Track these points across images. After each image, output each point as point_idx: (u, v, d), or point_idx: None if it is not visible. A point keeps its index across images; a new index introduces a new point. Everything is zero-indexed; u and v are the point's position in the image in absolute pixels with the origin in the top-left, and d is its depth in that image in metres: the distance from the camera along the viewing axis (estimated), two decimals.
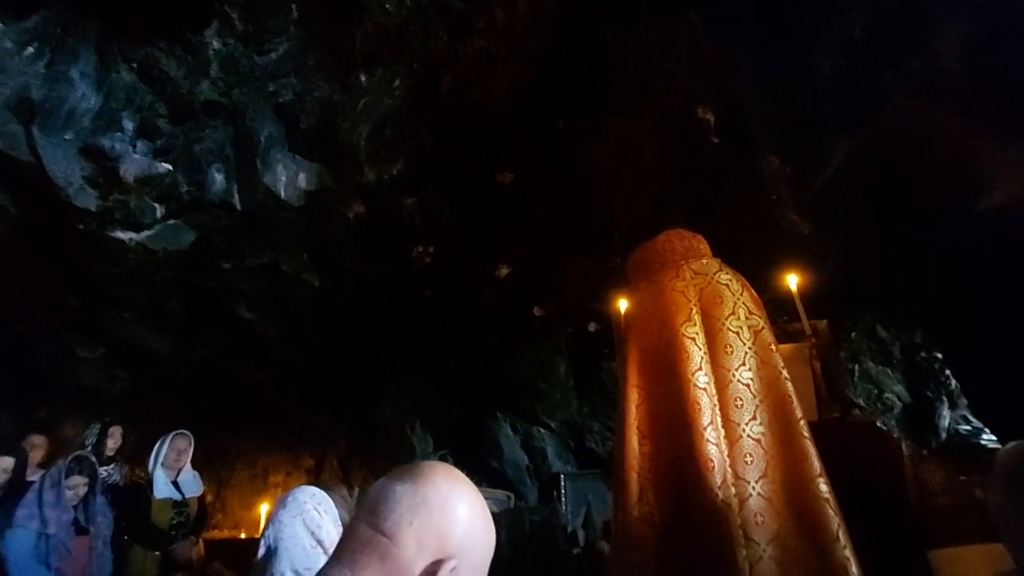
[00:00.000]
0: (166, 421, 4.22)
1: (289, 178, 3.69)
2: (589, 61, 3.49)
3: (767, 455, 1.55)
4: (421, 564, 0.69)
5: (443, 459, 5.33)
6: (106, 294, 4.24)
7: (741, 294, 1.71)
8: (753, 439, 1.57)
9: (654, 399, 1.66)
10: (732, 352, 1.64)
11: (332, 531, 1.40)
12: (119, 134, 3.22)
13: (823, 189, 3.29)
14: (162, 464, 3.81)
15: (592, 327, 4.63)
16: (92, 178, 3.29)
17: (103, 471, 3.98)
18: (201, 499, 4.06)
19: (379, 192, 3.92)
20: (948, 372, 4.24)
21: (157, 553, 3.65)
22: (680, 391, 1.58)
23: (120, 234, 3.56)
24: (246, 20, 3.07)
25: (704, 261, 1.79)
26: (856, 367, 4.42)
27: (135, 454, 4.35)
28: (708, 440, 1.51)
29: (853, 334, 4.37)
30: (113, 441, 4.21)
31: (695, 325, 1.66)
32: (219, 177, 3.57)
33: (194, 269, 4.08)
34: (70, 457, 3.33)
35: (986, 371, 3.25)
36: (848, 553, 1.41)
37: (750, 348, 1.65)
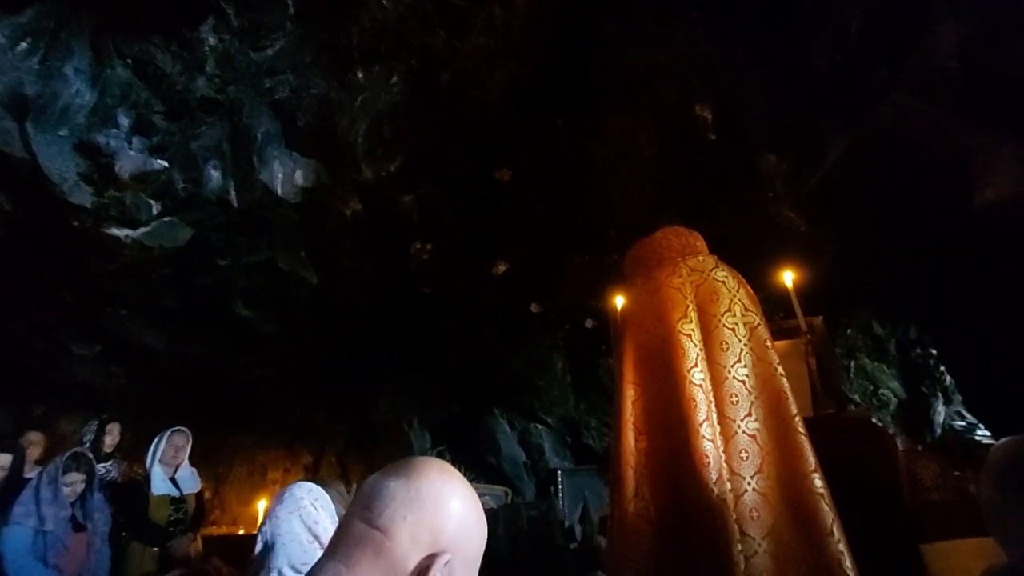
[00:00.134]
0: (164, 418, 4.22)
1: (286, 175, 3.68)
2: (587, 58, 3.49)
3: (762, 451, 1.56)
4: (415, 558, 0.70)
5: (441, 455, 5.35)
6: (102, 291, 4.23)
7: (737, 291, 1.72)
8: (748, 435, 1.58)
9: (650, 396, 1.66)
10: (728, 349, 1.65)
11: (329, 527, 1.41)
12: (114, 131, 3.21)
13: (820, 186, 3.30)
14: (160, 461, 3.82)
15: (589, 324, 4.65)
16: (87, 175, 3.27)
17: (101, 468, 3.98)
18: (199, 495, 4.07)
19: (377, 189, 3.91)
20: (943, 368, 4.26)
21: (155, 549, 3.66)
22: (676, 388, 1.59)
23: (116, 231, 3.55)
24: (242, 16, 3.05)
25: (701, 258, 1.80)
26: (852, 363, 4.44)
27: (133, 451, 4.36)
28: (704, 436, 1.52)
29: (849, 330, 4.39)
30: (111, 438, 4.21)
31: (691, 322, 1.66)
32: (215, 174, 3.56)
33: (190, 266, 4.07)
34: (67, 454, 3.32)
35: (981, 367, 3.27)
36: (842, 547, 1.42)
37: (746, 345, 1.66)
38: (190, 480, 3.97)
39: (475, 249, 4.31)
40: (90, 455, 3.49)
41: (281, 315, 4.65)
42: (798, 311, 2.43)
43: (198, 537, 3.91)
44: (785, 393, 1.59)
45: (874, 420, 3.21)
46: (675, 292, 1.71)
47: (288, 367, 5.27)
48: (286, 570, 1.32)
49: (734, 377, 1.62)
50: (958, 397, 4.27)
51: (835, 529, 1.43)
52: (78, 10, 3.03)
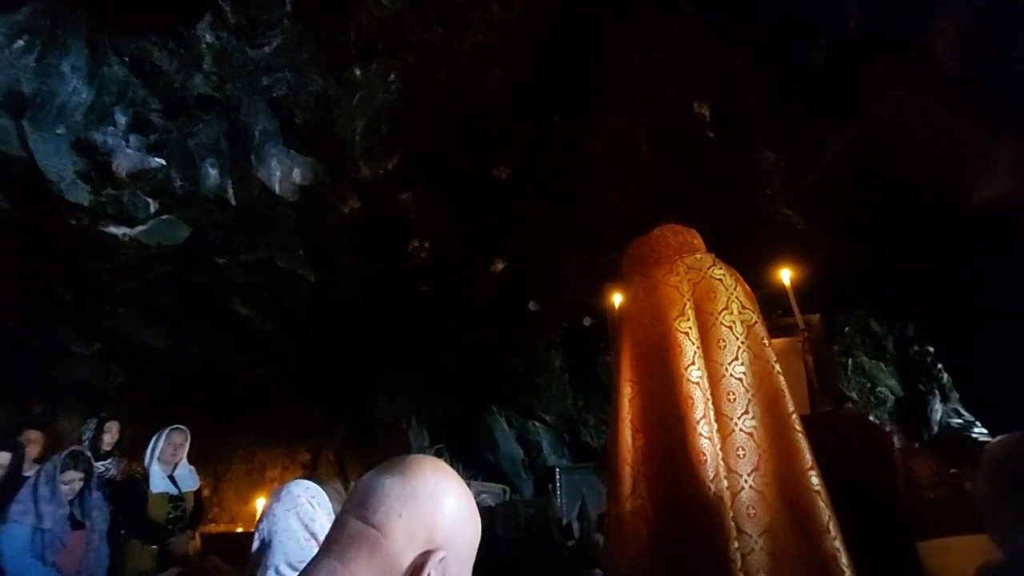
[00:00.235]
0: (162, 416, 4.23)
1: (284, 173, 3.68)
2: (585, 55, 3.48)
3: (759, 449, 1.57)
4: (410, 555, 0.71)
5: (439, 453, 5.36)
6: (100, 289, 4.23)
7: (734, 289, 1.72)
8: (745, 433, 1.58)
9: (647, 393, 1.67)
10: (725, 347, 1.65)
11: (326, 524, 1.41)
12: (111, 128, 3.20)
13: (817, 184, 3.30)
14: (158, 459, 3.83)
15: (587, 322, 4.65)
16: (84, 173, 3.27)
17: (100, 466, 4.00)
18: (197, 493, 4.08)
19: (375, 187, 3.91)
20: (940, 366, 4.27)
21: (154, 547, 3.67)
22: (673, 385, 1.59)
23: (113, 229, 3.55)
24: (239, 13, 3.04)
25: (698, 256, 1.79)
26: (850, 361, 4.45)
27: (131, 449, 4.36)
28: (701, 434, 1.52)
29: (847, 328, 4.40)
30: (110, 436, 4.22)
31: (688, 320, 1.66)
32: (213, 172, 3.55)
33: (188, 264, 4.07)
34: (65, 452, 3.33)
35: (978, 365, 3.28)
36: (838, 544, 1.42)
37: (743, 343, 1.66)
38: (188, 478, 3.98)
39: (473, 247, 4.31)
40: (88, 453, 3.50)
41: (279, 313, 4.65)
42: (795, 309, 2.43)
43: (197, 535, 3.92)
44: (782, 391, 1.59)
45: (871, 418, 3.22)
46: (672, 290, 1.71)
47: (286, 365, 5.27)
48: (283, 567, 1.33)
49: (731, 375, 1.62)
50: (955, 395, 4.28)
51: (831, 526, 1.44)
52: (75, 7, 3.02)
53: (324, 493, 1.46)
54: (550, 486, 5.11)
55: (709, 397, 1.58)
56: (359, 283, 4.49)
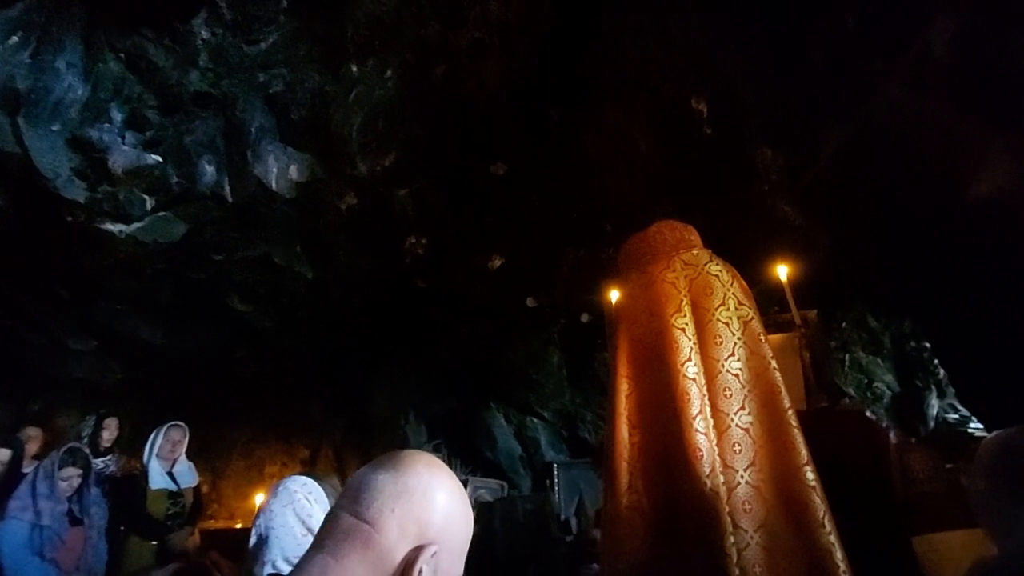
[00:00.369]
0: (161, 412, 4.23)
1: (280, 169, 3.67)
2: (582, 51, 3.48)
3: (755, 444, 1.57)
4: (402, 550, 0.71)
5: (437, 449, 5.38)
6: (97, 286, 4.22)
7: (731, 285, 1.72)
8: (742, 428, 1.58)
9: (644, 389, 1.67)
10: (721, 342, 1.66)
11: (323, 520, 1.42)
12: (107, 125, 3.18)
13: (814, 180, 3.30)
14: (157, 455, 3.84)
15: (585, 318, 4.65)
16: (80, 170, 3.26)
17: (99, 462, 4.00)
18: (196, 489, 4.08)
19: (371, 183, 3.90)
20: (937, 362, 4.28)
21: (153, 543, 3.68)
22: (669, 381, 1.59)
23: (110, 226, 3.54)
24: (234, 9, 3.03)
25: (695, 252, 1.80)
26: (847, 357, 4.46)
27: (130, 445, 4.37)
28: (697, 430, 1.53)
29: (844, 324, 4.41)
30: (108, 433, 4.23)
31: (685, 316, 1.67)
32: (210, 169, 3.54)
33: (186, 261, 4.06)
34: (63, 449, 3.34)
35: (974, 360, 3.29)
36: (833, 539, 1.43)
37: (739, 338, 1.66)
38: (187, 474, 3.99)
39: (470, 243, 4.31)
40: (86, 450, 3.51)
41: (277, 310, 4.64)
42: (792, 305, 2.43)
43: (196, 531, 3.93)
44: (778, 387, 1.60)
45: (867, 413, 3.23)
46: (669, 286, 1.71)
47: (284, 362, 5.27)
48: (280, 563, 1.33)
49: (728, 371, 1.62)
50: (951, 390, 4.29)
51: (826, 521, 1.45)
52: (69, 4, 3.01)
53: (321, 489, 1.47)
54: (548, 482, 5.12)
55: (705, 393, 1.58)
56: (356, 279, 4.49)
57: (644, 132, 3.62)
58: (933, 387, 4.43)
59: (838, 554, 1.41)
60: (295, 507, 1.40)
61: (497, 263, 4.40)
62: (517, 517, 3.41)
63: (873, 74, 2.83)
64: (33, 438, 4.09)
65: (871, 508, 1.81)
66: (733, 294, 1.70)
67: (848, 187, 3.28)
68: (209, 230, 3.87)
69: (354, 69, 3.40)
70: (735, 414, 1.58)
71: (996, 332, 2.98)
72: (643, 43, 3.32)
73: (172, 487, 3.84)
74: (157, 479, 3.79)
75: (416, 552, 0.71)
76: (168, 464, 3.89)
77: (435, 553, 0.72)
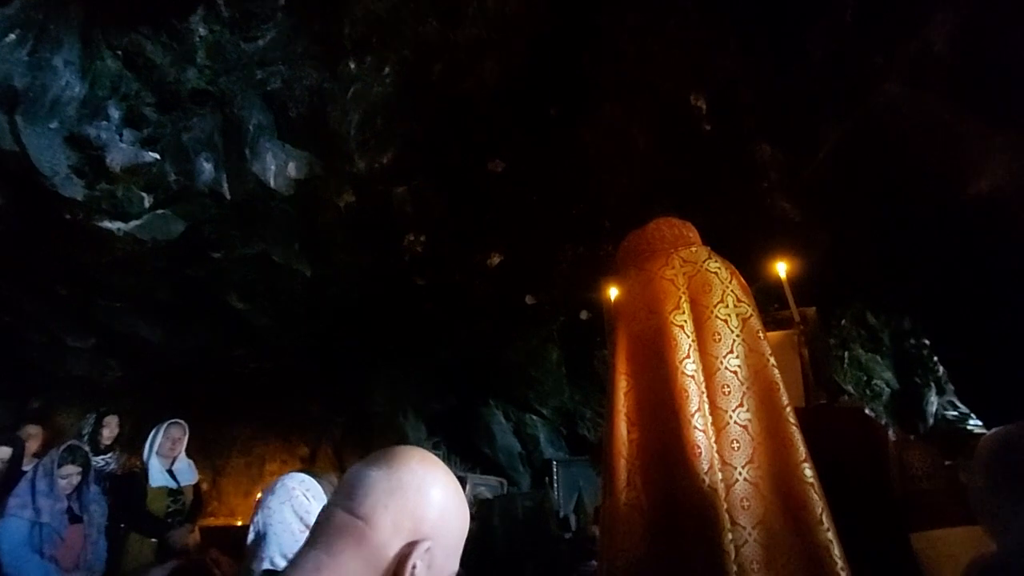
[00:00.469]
0: (160, 410, 4.24)
1: (279, 167, 3.66)
2: (580, 48, 3.47)
3: (754, 441, 1.57)
4: (396, 546, 0.71)
5: (436, 447, 5.38)
6: (96, 284, 4.22)
7: (730, 282, 1.72)
8: (740, 425, 1.59)
9: (642, 387, 1.67)
10: (720, 340, 1.66)
11: None
12: (105, 123, 3.17)
13: (814, 177, 3.30)
14: (157, 453, 3.85)
15: (584, 315, 4.65)
16: (78, 167, 3.25)
17: (100, 460, 4.01)
18: (196, 487, 4.10)
19: (370, 181, 3.89)
20: (936, 359, 4.28)
21: (153, 540, 3.69)
22: (668, 379, 1.59)
23: (108, 224, 3.53)
24: (232, 6, 3.02)
25: (693, 249, 1.80)
26: (846, 354, 4.46)
27: (130, 443, 4.37)
28: (695, 427, 1.53)
29: (843, 321, 4.41)
30: (108, 430, 4.24)
31: (683, 313, 1.67)
32: (208, 166, 3.53)
33: (184, 259, 4.06)
34: (62, 447, 3.34)
35: (973, 357, 3.29)
36: (831, 536, 1.43)
37: (738, 336, 1.66)
38: (187, 472, 4.00)
39: (469, 241, 4.31)
40: (85, 448, 3.51)
41: (276, 307, 4.64)
42: (791, 302, 2.43)
43: (196, 528, 3.94)
44: (777, 384, 1.60)
45: (866, 410, 3.23)
46: (667, 283, 1.71)
47: (283, 359, 5.28)
48: (278, 559, 1.34)
49: (726, 368, 1.63)
50: (951, 387, 4.29)
51: (824, 518, 1.45)
52: (67, 2, 2.99)
53: (319, 486, 1.47)
54: (547, 479, 5.13)
55: (704, 390, 1.58)
56: (355, 277, 4.49)
57: (643, 129, 3.61)
58: (932, 384, 4.44)
59: (836, 551, 1.42)
60: (293, 504, 1.41)
61: (496, 261, 4.40)
62: (516, 514, 3.41)
63: (873, 71, 2.82)
64: (33, 436, 4.10)
65: (870, 505, 1.81)
66: (732, 291, 1.70)
67: (848, 184, 3.27)
68: (207, 228, 3.86)
69: (352, 66, 3.39)
70: (733, 411, 1.58)
71: (995, 329, 2.98)
72: (642, 40, 3.32)
73: (172, 485, 3.86)
74: (157, 477, 3.80)
75: (410, 548, 0.71)
76: (168, 462, 3.90)
77: (429, 548, 0.72)
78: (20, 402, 5.38)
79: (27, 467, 3.56)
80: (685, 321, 1.65)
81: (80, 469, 3.31)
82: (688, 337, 1.63)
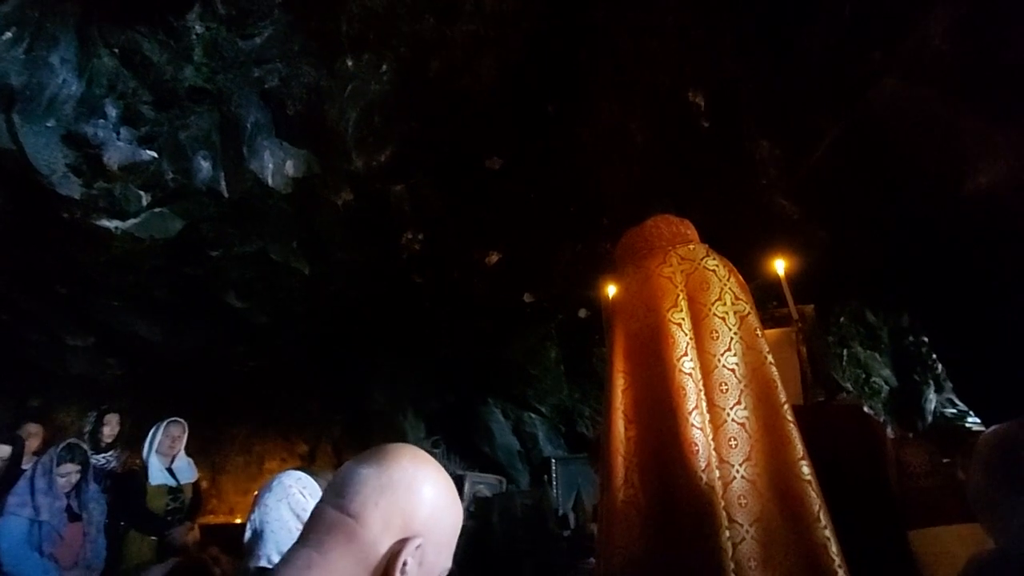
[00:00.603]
0: (160, 408, 4.24)
1: (276, 165, 3.66)
2: (578, 44, 3.46)
3: (751, 439, 1.57)
4: (387, 543, 0.71)
5: (435, 445, 5.39)
6: (94, 283, 4.21)
7: (728, 280, 1.72)
8: (738, 423, 1.59)
9: (640, 384, 1.67)
10: (718, 337, 1.66)
11: None
12: (102, 121, 3.16)
13: (812, 173, 3.29)
14: (156, 451, 3.86)
15: (583, 313, 4.65)
16: (75, 166, 3.24)
17: (101, 458, 4.02)
18: (196, 485, 4.11)
19: (368, 179, 3.88)
20: (935, 356, 4.28)
21: (153, 538, 3.70)
22: (665, 376, 1.59)
23: (106, 222, 3.53)
24: (228, 3, 3.00)
25: (691, 247, 1.80)
26: (845, 351, 4.46)
27: (130, 441, 4.38)
28: (693, 424, 1.53)
29: (842, 319, 4.41)
30: (109, 429, 4.24)
31: (681, 311, 1.67)
32: (205, 164, 3.52)
33: (182, 257, 4.06)
34: (62, 445, 3.35)
35: (971, 355, 3.29)
36: (828, 533, 1.44)
37: (736, 333, 1.67)
38: (187, 470, 4.01)
39: (467, 239, 4.30)
40: (84, 446, 3.52)
41: (274, 306, 4.64)
42: (789, 299, 2.43)
43: (196, 526, 3.95)
44: (774, 381, 1.60)
45: (865, 408, 3.23)
46: (665, 281, 1.71)
47: (282, 358, 5.28)
48: (275, 557, 1.34)
49: (724, 366, 1.63)
50: (949, 385, 4.29)
51: (822, 515, 1.45)
52: None
53: (316, 484, 1.47)
54: (546, 477, 5.13)
55: (702, 388, 1.58)
56: (353, 275, 4.48)
57: (641, 126, 3.60)
58: (931, 382, 4.44)
59: (833, 548, 1.42)
60: (289, 501, 1.41)
61: (494, 258, 4.39)
62: (515, 512, 3.42)
63: (871, 65, 2.81)
64: (34, 435, 4.11)
65: (867, 502, 1.81)
66: (730, 289, 1.70)
67: (846, 181, 3.26)
68: (205, 226, 3.86)
69: (349, 64, 3.38)
70: (731, 409, 1.59)
71: (994, 326, 2.98)
72: (640, 37, 3.30)
73: (172, 483, 3.86)
74: (157, 475, 3.81)
75: (400, 545, 0.71)
76: (167, 460, 3.91)
77: (420, 546, 0.72)
78: (19, 401, 5.38)
79: (26, 465, 3.56)
80: (683, 319, 1.65)
81: (79, 467, 3.32)
82: (686, 335, 1.63)
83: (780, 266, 2.53)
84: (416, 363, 5.28)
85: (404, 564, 0.70)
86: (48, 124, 3.12)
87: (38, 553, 3.07)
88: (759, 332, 1.66)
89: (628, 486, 1.58)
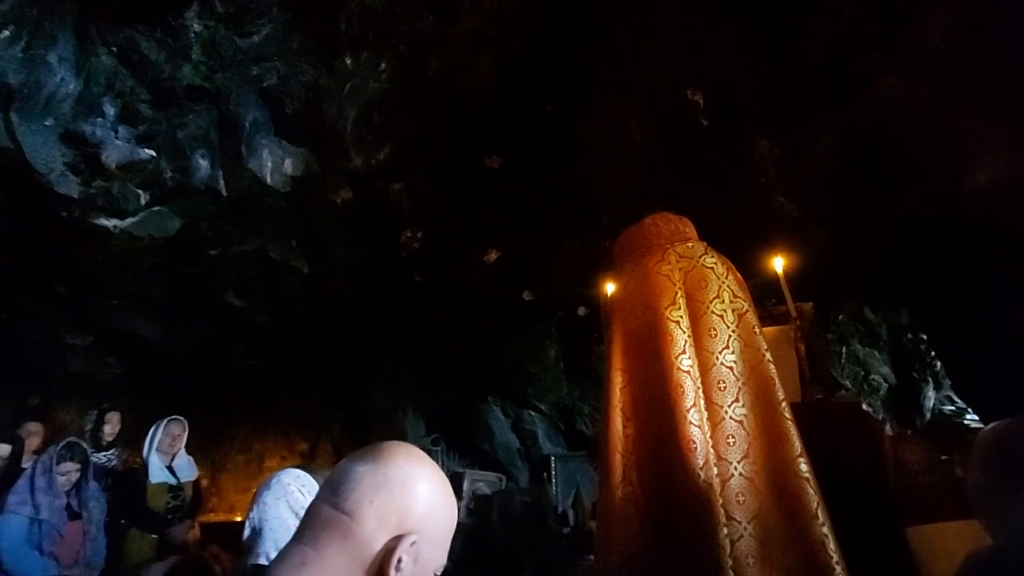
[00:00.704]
0: (160, 407, 4.24)
1: (275, 164, 3.65)
2: (577, 42, 3.45)
3: (749, 436, 1.57)
4: (382, 540, 0.72)
5: (435, 443, 5.39)
6: (93, 281, 4.21)
7: (726, 277, 1.72)
8: (735, 421, 1.59)
9: (638, 382, 1.67)
10: (716, 335, 1.66)
11: None
12: (100, 119, 3.16)
13: (811, 171, 3.29)
14: (157, 449, 3.86)
15: (582, 311, 4.65)
16: (74, 164, 3.24)
17: (102, 456, 4.03)
18: (196, 483, 4.11)
19: (366, 177, 3.88)
20: (933, 354, 4.29)
21: (154, 536, 3.70)
22: (664, 374, 1.59)
23: (104, 221, 3.53)
24: (226, 1, 3.00)
25: (690, 244, 1.79)
26: (844, 349, 4.47)
27: (130, 440, 4.39)
28: (691, 422, 1.53)
29: (841, 316, 4.41)
30: (110, 427, 4.25)
31: (679, 308, 1.66)
32: (204, 163, 3.52)
33: (181, 256, 4.06)
34: (61, 443, 3.35)
35: (970, 353, 3.29)
36: (826, 530, 1.44)
37: (734, 331, 1.66)
38: (187, 468, 4.01)
39: (466, 237, 4.30)
40: (84, 445, 3.52)
41: (273, 304, 4.64)
42: (788, 297, 2.43)
43: (196, 524, 3.95)
44: (772, 379, 1.60)
45: (863, 405, 3.24)
46: (663, 279, 1.71)
47: (282, 356, 5.28)
48: (273, 554, 1.34)
49: (722, 363, 1.63)
50: (948, 382, 4.30)
51: (820, 512, 1.45)
52: None
53: (314, 481, 1.48)
54: (545, 474, 5.14)
55: (699, 385, 1.58)
56: (352, 274, 4.48)
57: (640, 125, 3.60)
58: (930, 379, 4.44)
59: (831, 545, 1.42)
60: (288, 499, 1.41)
61: (493, 257, 4.39)
62: (515, 509, 3.43)
63: (870, 63, 2.81)
64: (34, 433, 4.11)
65: (865, 500, 1.81)
66: (728, 287, 1.70)
67: (845, 179, 3.26)
68: (204, 225, 3.86)
69: (348, 62, 3.37)
70: (729, 406, 1.59)
71: (993, 324, 2.98)
72: (639, 35, 3.30)
73: (172, 481, 3.87)
74: (157, 473, 3.81)
75: (395, 542, 0.72)
76: (168, 458, 3.91)
77: (415, 542, 0.72)
78: (19, 400, 5.39)
79: (27, 464, 3.57)
80: (681, 317, 1.65)
81: (79, 466, 3.33)
82: (684, 333, 1.63)
83: (779, 264, 2.53)
84: (416, 361, 5.28)
85: (399, 561, 0.70)
86: (46, 123, 3.12)
87: (38, 551, 3.08)
88: (757, 330, 1.66)
89: (626, 483, 1.58)
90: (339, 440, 5.95)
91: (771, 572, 1.44)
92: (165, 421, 3.94)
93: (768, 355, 1.63)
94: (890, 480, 2.04)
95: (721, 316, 1.67)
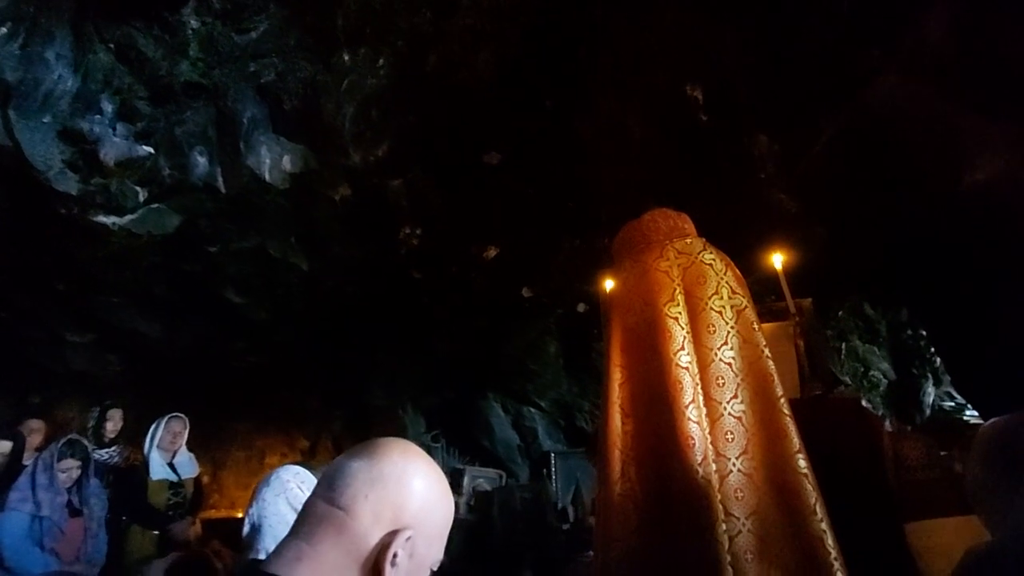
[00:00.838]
0: (161, 404, 4.25)
1: (273, 160, 3.65)
2: (576, 39, 3.44)
3: (748, 432, 1.57)
4: (377, 535, 0.72)
5: (435, 439, 5.40)
6: (92, 279, 4.22)
7: (725, 273, 1.72)
8: (734, 417, 1.59)
9: (636, 378, 1.67)
10: (715, 331, 1.65)
11: None
12: (98, 117, 3.16)
13: (811, 168, 3.28)
14: (158, 446, 3.87)
15: (582, 307, 4.65)
16: (72, 162, 3.23)
17: (103, 454, 4.04)
18: (197, 480, 4.12)
19: (365, 174, 3.88)
20: (933, 350, 4.29)
21: (155, 532, 3.71)
22: (662, 370, 1.59)
23: (103, 218, 3.53)
24: None
25: (688, 240, 1.79)
26: (843, 345, 4.47)
27: (131, 437, 4.40)
28: (689, 418, 1.53)
29: (841, 312, 4.41)
30: (112, 424, 4.26)
31: (678, 305, 1.66)
32: (202, 160, 3.52)
33: (180, 253, 4.06)
34: (62, 440, 3.36)
35: (969, 348, 3.29)
36: (824, 526, 1.44)
37: (732, 327, 1.66)
38: (188, 465, 4.03)
39: (465, 234, 4.30)
40: (85, 442, 3.53)
41: (273, 301, 4.64)
42: (787, 293, 2.43)
43: (197, 520, 3.96)
44: (771, 375, 1.60)
45: (863, 401, 3.24)
46: (662, 275, 1.71)
47: (281, 353, 5.28)
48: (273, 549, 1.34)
49: (721, 359, 1.62)
50: (947, 378, 4.30)
51: (818, 508, 1.45)
52: None
53: (313, 478, 1.48)
54: (545, 471, 5.15)
55: (698, 382, 1.58)
56: (351, 271, 4.48)
57: (639, 121, 3.59)
58: (929, 375, 4.45)
59: (830, 541, 1.42)
60: (287, 495, 1.42)
61: (492, 253, 4.39)
62: (514, 506, 3.43)
63: (869, 61, 2.80)
64: (36, 431, 4.12)
65: (864, 495, 1.81)
66: (727, 283, 1.69)
67: (844, 176, 3.26)
68: (203, 222, 3.86)
69: (346, 58, 3.36)
70: (728, 403, 1.59)
71: (992, 320, 2.98)
72: (638, 31, 3.29)
73: (173, 478, 3.88)
74: (158, 470, 3.83)
75: (391, 537, 0.72)
76: (169, 455, 3.92)
77: (410, 537, 0.73)
78: (20, 398, 5.39)
79: (28, 461, 3.58)
80: (679, 313, 1.65)
81: (79, 463, 3.33)
82: (683, 329, 1.62)
83: (778, 260, 2.53)
84: (415, 358, 5.29)
85: (394, 556, 0.70)
86: (44, 120, 3.11)
87: (39, 548, 3.09)
88: (756, 326, 1.66)
89: (625, 480, 1.58)
90: (340, 437, 5.97)
91: (769, 568, 1.44)
92: (166, 418, 3.96)
93: (767, 351, 1.63)
94: (889, 476, 2.04)
95: (720, 312, 1.67)
